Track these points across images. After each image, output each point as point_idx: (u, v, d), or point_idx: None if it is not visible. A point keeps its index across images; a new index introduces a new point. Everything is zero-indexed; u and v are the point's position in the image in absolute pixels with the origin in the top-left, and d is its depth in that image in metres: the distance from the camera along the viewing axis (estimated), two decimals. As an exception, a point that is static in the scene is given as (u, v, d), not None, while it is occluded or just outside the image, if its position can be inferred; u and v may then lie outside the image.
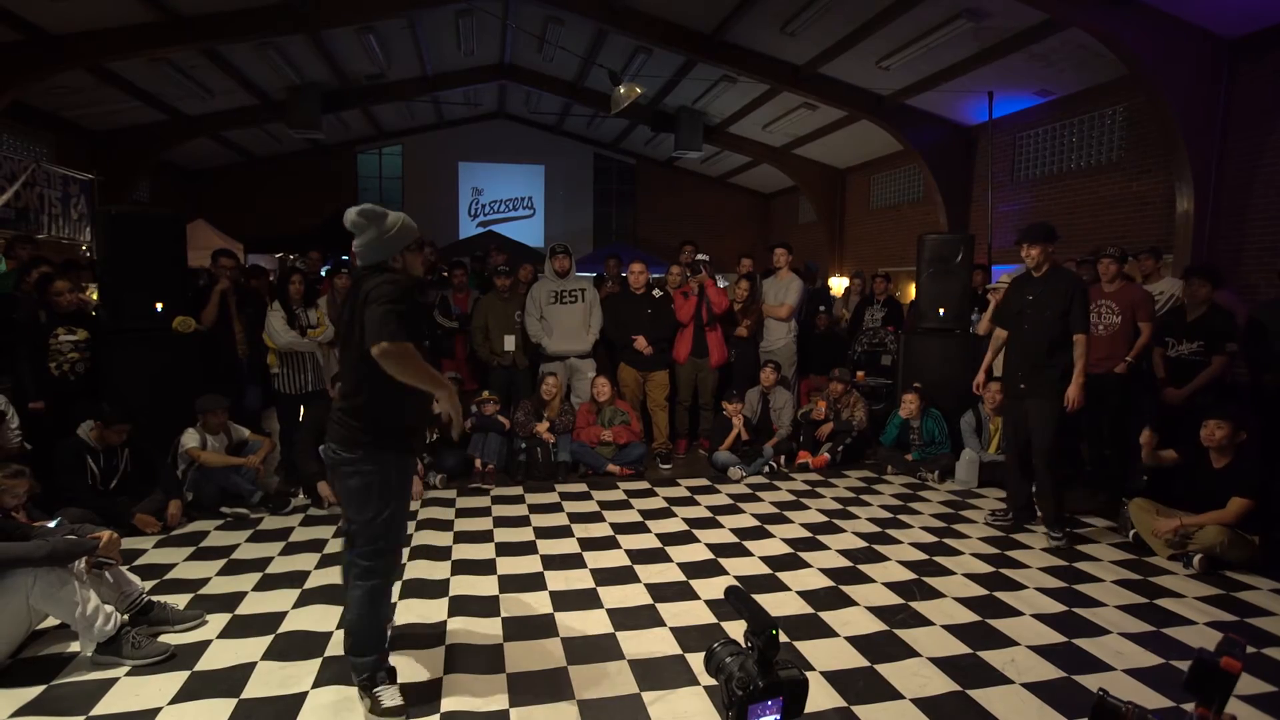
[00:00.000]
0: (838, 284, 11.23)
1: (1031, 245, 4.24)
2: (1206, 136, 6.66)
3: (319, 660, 2.84)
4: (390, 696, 2.49)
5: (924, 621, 3.27)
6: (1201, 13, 6.30)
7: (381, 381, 2.42)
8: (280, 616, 3.22)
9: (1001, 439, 4.93)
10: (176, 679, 2.70)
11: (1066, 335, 4.20)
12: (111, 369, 4.85)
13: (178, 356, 5.09)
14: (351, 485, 2.52)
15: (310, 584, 3.58)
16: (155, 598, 3.12)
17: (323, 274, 7.33)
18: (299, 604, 3.35)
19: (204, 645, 2.95)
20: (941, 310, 6.24)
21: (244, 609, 3.30)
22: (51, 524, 3.10)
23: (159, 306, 5.01)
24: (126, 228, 5.03)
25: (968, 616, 3.32)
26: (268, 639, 3.01)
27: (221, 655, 2.88)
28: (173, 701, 2.56)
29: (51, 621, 2.95)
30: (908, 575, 3.80)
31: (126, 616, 2.93)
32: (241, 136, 13.25)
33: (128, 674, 2.72)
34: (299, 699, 2.58)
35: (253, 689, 2.64)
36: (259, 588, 3.54)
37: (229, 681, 2.68)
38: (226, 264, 5.76)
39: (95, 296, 5.51)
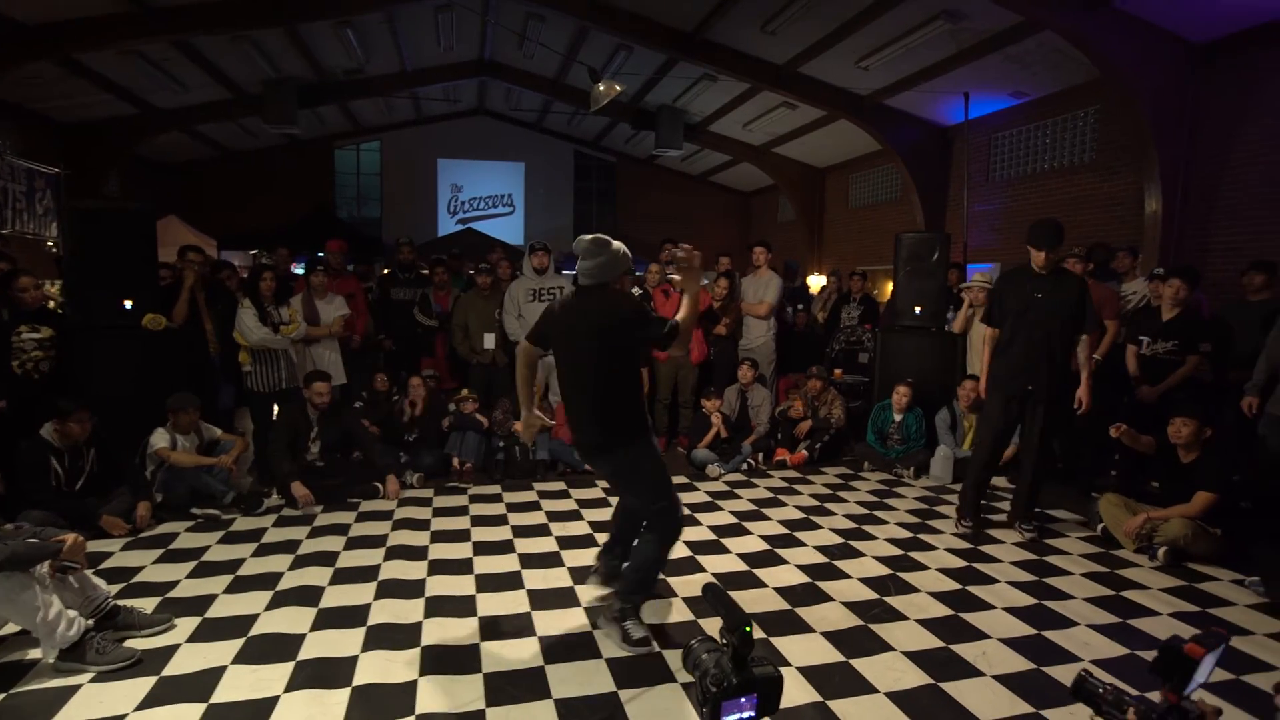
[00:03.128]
0: (816, 282, 11.29)
1: (1052, 250, 4.12)
2: (1175, 138, 6.79)
3: (292, 664, 2.80)
4: (637, 629, 2.94)
5: (898, 616, 3.30)
6: (1171, 18, 6.42)
7: (632, 380, 2.97)
8: (252, 619, 3.17)
9: (977, 436, 4.90)
10: (143, 685, 2.65)
11: (1074, 335, 4.17)
12: (78, 367, 4.75)
13: (148, 355, 5.00)
14: (625, 475, 3.04)
15: (283, 585, 3.53)
16: (122, 602, 3.05)
17: (298, 271, 7.25)
18: (271, 606, 3.31)
19: (172, 650, 2.90)
20: (918, 308, 6.31)
21: (214, 612, 3.25)
22: (11, 526, 3.03)
23: (128, 304, 4.92)
24: (95, 223, 4.93)
25: (941, 610, 3.36)
26: (239, 642, 2.96)
27: (190, 660, 2.83)
28: (139, 708, 2.51)
29: (12, 627, 2.89)
30: (883, 571, 3.83)
31: (91, 621, 2.86)
32: (216, 131, 13.01)
33: (91, 680, 2.66)
34: (271, 703, 2.55)
35: (223, 693, 2.60)
36: (230, 590, 3.49)
37: (198, 686, 2.64)
38: (194, 259, 5.66)
39: (55, 291, 5.39)
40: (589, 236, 2.89)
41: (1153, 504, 4.18)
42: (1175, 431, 4.06)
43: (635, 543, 3.18)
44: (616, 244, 2.92)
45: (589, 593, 3.47)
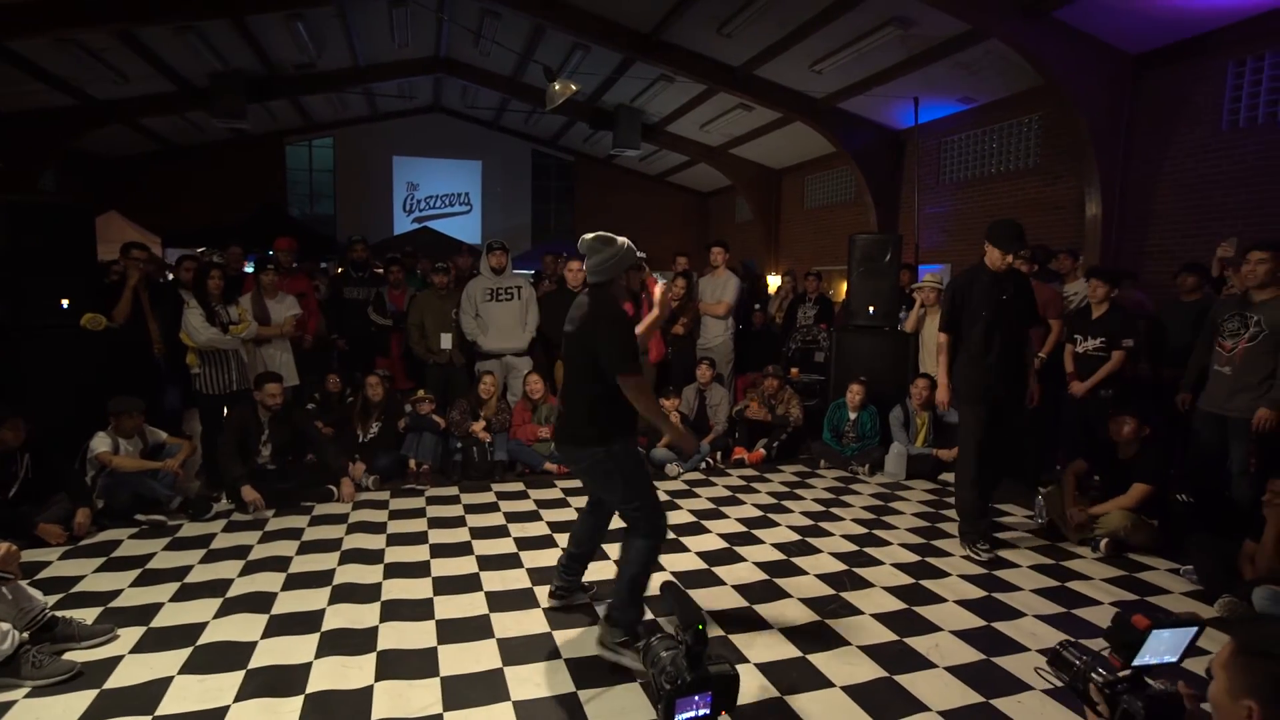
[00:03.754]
0: (774, 282, 11.44)
1: (1016, 254, 4.06)
2: (1113, 144, 7.07)
3: (242, 673, 2.73)
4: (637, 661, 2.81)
5: (854, 611, 3.37)
6: (1110, 30, 6.68)
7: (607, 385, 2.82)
8: (200, 628, 3.08)
9: (960, 454, 4.36)
10: (83, 698, 2.55)
11: (1028, 332, 4.23)
12: (11, 369, 4.54)
13: (87, 356, 4.81)
14: (600, 474, 2.94)
15: (233, 592, 3.43)
16: (60, 613, 2.93)
17: (248, 270, 7.05)
18: (221, 614, 3.21)
19: (115, 661, 2.79)
20: (871, 308, 6.44)
21: (160, 621, 3.14)
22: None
23: (65, 303, 4.72)
24: (27, 217, 4.72)
25: (895, 605, 3.44)
26: (186, 652, 2.87)
27: (134, 671, 2.73)
28: (79, 721, 2.42)
29: (-58, 641, 2.74)
30: (839, 567, 3.91)
31: (26, 635, 2.74)
32: (160, 125, 12.54)
33: (27, 695, 2.55)
34: (220, 713, 2.48)
35: (169, 705, 2.52)
36: (176, 598, 3.38)
37: (143, 698, 2.55)
38: (139, 255, 5.46)
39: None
40: (591, 235, 2.91)
41: (1094, 498, 4.35)
42: (1117, 430, 4.23)
43: (620, 553, 3.02)
44: (620, 240, 2.92)
45: (548, 597, 3.45)
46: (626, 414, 2.90)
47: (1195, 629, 1.57)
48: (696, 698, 1.54)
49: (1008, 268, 4.07)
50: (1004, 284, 4.05)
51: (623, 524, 3.02)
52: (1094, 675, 1.61)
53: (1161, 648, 1.57)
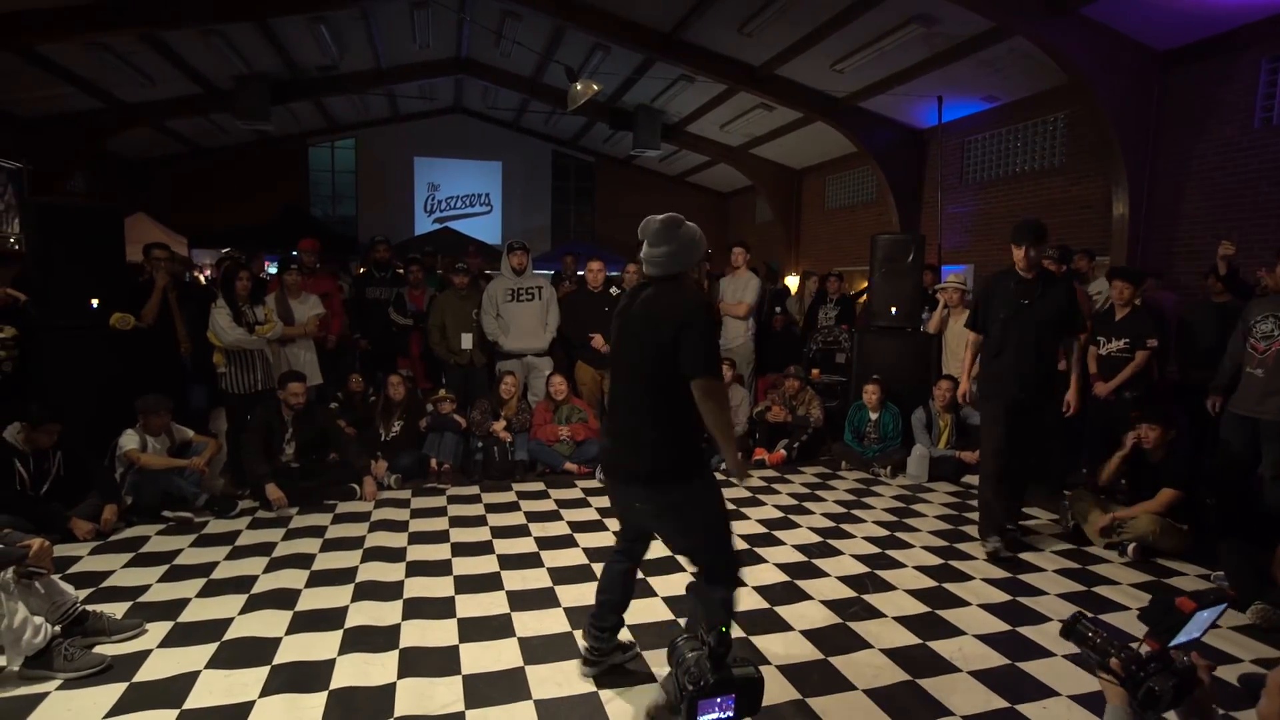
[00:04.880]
0: (792, 282, 11.38)
1: (1032, 246, 3.95)
2: (1140, 143, 6.95)
3: (267, 668, 2.76)
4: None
5: (876, 614, 3.34)
6: (1136, 26, 6.57)
7: (687, 405, 2.33)
8: (226, 623, 3.12)
9: (981, 451, 4.38)
10: (113, 691, 2.59)
11: (1061, 339, 4.09)
12: (43, 368, 4.63)
13: (116, 355, 4.89)
14: (673, 517, 2.43)
15: (258, 589, 3.48)
16: (90, 607, 2.99)
17: (272, 271, 7.14)
18: (246, 610, 3.25)
19: (143, 655, 2.84)
20: (894, 309, 6.39)
21: (187, 616, 3.19)
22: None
23: (95, 303, 4.81)
24: (58, 219, 4.81)
25: (918, 608, 3.41)
26: (212, 647, 2.91)
27: (162, 665, 2.77)
28: (109, 715, 2.45)
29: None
30: (861, 569, 3.88)
31: (58, 628, 2.79)
32: (185, 127, 12.74)
33: (59, 688, 2.60)
34: (246, 708, 2.51)
35: (196, 699, 2.55)
36: (203, 594, 3.43)
37: (170, 692, 2.59)
38: (160, 255, 5.54)
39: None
40: (660, 218, 2.41)
41: (1122, 503, 4.28)
42: (1144, 436, 4.15)
43: (694, 611, 2.46)
44: (689, 226, 2.45)
45: (569, 594, 3.45)
46: (700, 436, 2.44)
47: (1223, 606, 1.66)
48: (719, 699, 1.53)
49: (1036, 272, 3.99)
50: (1029, 287, 3.98)
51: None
52: (1117, 653, 1.67)
53: (1194, 627, 1.66)
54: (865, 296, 7.66)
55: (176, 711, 2.47)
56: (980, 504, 4.30)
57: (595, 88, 7.38)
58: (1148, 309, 5.09)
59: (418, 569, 3.77)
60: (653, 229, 2.43)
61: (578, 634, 3.07)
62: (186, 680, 2.66)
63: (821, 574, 3.80)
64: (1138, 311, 4.98)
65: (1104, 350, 5.07)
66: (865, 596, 3.52)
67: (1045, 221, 4.19)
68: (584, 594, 3.48)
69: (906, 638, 3.11)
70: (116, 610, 3.14)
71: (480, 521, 4.56)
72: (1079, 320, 4.05)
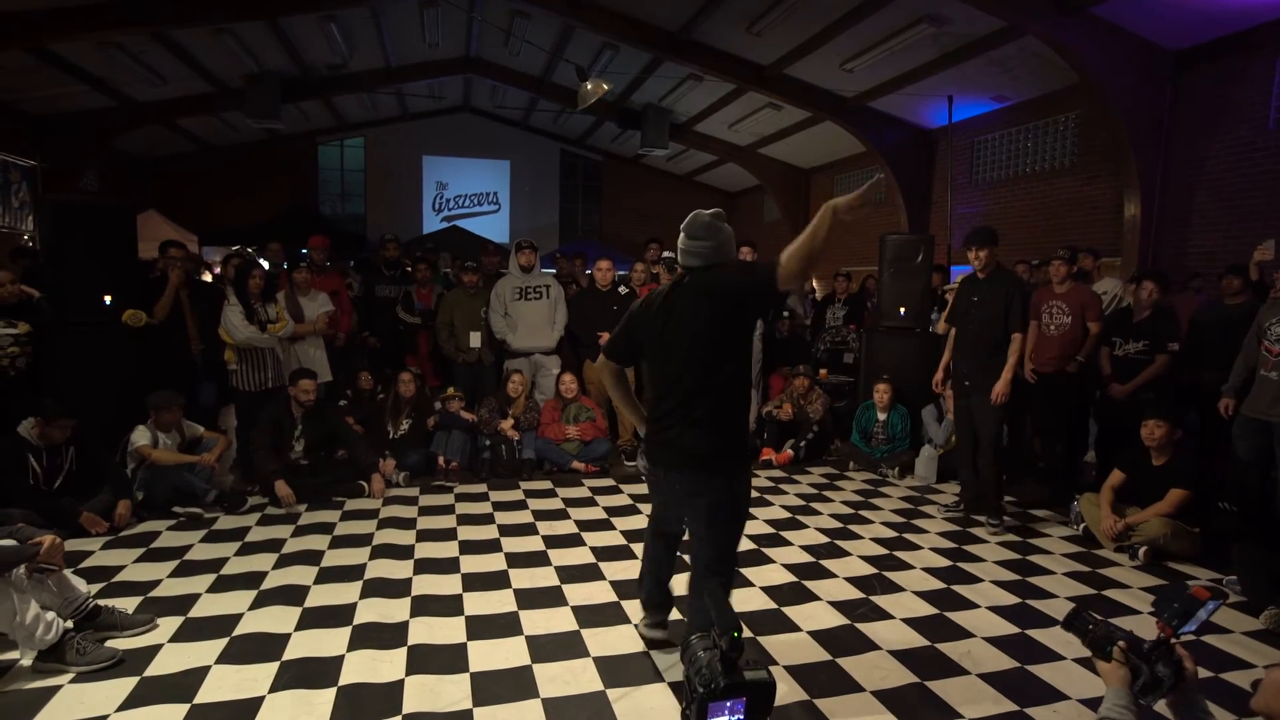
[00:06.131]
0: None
1: (979, 248, 4.49)
2: (1152, 144, 6.91)
3: (277, 663, 2.78)
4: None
5: (884, 615, 3.33)
6: (1148, 25, 6.53)
7: (746, 380, 2.46)
8: (236, 619, 3.13)
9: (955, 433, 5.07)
10: (125, 685, 2.61)
11: (1008, 334, 4.42)
12: (55, 364, 4.66)
13: (128, 351, 4.92)
14: (717, 508, 2.48)
15: (267, 585, 3.49)
16: (102, 602, 3.00)
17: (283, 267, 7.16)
18: (255, 605, 3.27)
19: (154, 649, 2.86)
20: (902, 309, 6.37)
21: (197, 611, 3.21)
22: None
23: (108, 300, 4.84)
24: (72, 216, 4.84)
25: (926, 610, 3.40)
26: (223, 642, 2.93)
27: (173, 659, 2.79)
28: (121, 708, 2.47)
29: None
30: (869, 570, 3.87)
31: (70, 623, 2.81)
32: (196, 125, 12.82)
33: (72, 681, 2.62)
34: (256, 703, 2.52)
35: (206, 693, 2.57)
36: (213, 589, 3.45)
37: (181, 686, 2.60)
38: (176, 254, 5.57)
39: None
40: (708, 213, 2.56)
41: (1130, 505, 4.25)
42: (1149, 434, 4.13)
43: (694, 604, 2.68)
44: (726, 226, 2.61)
45: (576, 593, 3.45)
46: (747, 424, 2.50)
47: (1221, 601, 1.71)
48: (729, 703, 1.53)
49: (992, 269, 4.53)
50: (977, 286, 4.57)
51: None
52: (1119, 639, 1.75)
53: (1199, 619, 1.71)
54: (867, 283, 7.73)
55: (187, 706, 2.49)
56: (960, 482, 4.90)
57: (605, 87, 7.39)
58: (1170, 312, 5.03)
59: (426, 566, 3.78)
60: (701, 222, 2.55)
61: (585, 633, 3.07)
62: (197, 675, 2.68)
63: (829, 575, 3.79)
64: (1159, 314, 4.93)
65: (1120, 351, 5.03)
66: (873, 598, 3.51)
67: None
68: (592, 593, 3.49)
69: (915, 639, 3.10)
70: (128, 605, 3.15)
71: (488, 519, 4.57)
72: (1013, 320, 4.41)
